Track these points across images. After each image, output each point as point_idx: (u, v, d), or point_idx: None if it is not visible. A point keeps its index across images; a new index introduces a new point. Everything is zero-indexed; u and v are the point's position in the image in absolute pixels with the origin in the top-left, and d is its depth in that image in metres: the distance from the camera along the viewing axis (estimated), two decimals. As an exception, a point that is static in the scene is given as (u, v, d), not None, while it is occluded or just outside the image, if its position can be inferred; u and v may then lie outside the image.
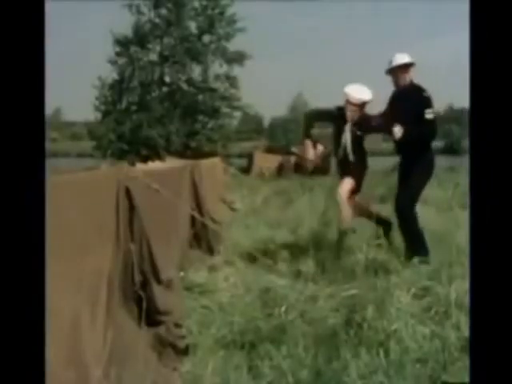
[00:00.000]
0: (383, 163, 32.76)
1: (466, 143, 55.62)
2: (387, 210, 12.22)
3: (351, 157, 8.22)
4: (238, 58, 34.50)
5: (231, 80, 35.00)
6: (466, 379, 3.57)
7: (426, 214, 11.22)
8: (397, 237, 8.48)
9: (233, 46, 34.62)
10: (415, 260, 6.76)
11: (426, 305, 5.50)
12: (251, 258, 7.72)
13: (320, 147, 8.32)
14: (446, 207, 12.11)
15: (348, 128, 8.18)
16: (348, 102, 8.05)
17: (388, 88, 7.80)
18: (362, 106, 8.02)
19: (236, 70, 35.20)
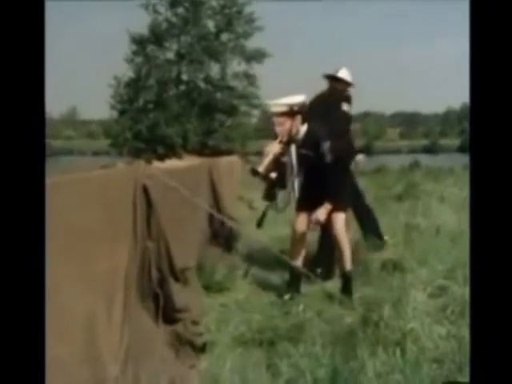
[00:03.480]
0: (399, 161, 32.77)
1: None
2: (404, 208, 12.26)
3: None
4: (258, 56, 34.46)
5: (250, 78, 34.96)
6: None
7: (442, 212, 11.23)
8: (411, 235, 8.50)
9: (251, 44, 34.63)
10: None
11: (442, 304, 5.51)
12: (269, 256, 7.75)
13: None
14: (462, 206, 12.05)
15: (293, 151, 6.52)
16: (273, 113, 6.49)
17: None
18: (291, 113, 6.32)
19: (255, 68, 35.19)
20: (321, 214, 6.30)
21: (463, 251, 6.86)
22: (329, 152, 6.26)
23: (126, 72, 34.09)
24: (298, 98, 6.36)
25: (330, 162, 6.24)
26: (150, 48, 33.93)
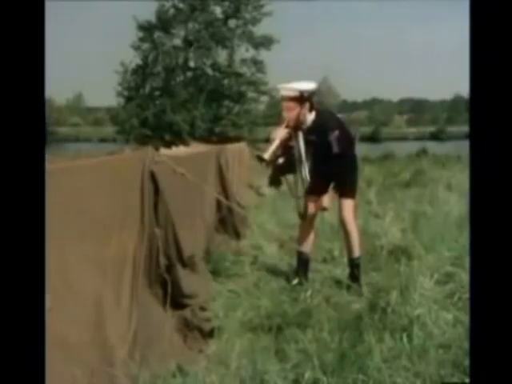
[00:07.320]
0: (407, 148, 32.69)
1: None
2: (412, 195, 12.26)
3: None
4: (265, 43, 34.31)
5: (258, 64, 34.80)
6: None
7: (449, 199, 11.22)
8: (418, 222, 8.50)
9: (260, 30, 34.46)
10: None
11: (449, 291, 5.51)
12: (278, 243, 7.77)
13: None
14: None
15: (301, 138, 6.40)
16: (282, 97, 6.29)
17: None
18: (300, 99, 6.18)
19: (263, 55, 35.04)
20: (326, 201, 6.32)
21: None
22: (336, 142, 6.19)
23: (133, 59, 34.05)
24: (309, 85, 6.26)
25: (338, 152, 6.21)
26: (157, 34, 33.80)
